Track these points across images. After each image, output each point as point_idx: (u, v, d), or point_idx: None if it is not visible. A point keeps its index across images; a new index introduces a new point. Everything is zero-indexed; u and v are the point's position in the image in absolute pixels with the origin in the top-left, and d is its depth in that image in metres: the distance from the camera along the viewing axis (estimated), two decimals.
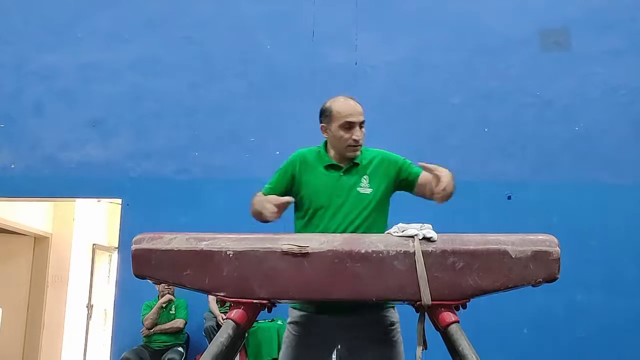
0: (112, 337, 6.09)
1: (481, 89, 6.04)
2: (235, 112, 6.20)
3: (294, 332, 2.36)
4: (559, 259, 1.90)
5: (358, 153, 2.42)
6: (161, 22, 6.42)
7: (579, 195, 5.67)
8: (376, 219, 2.36)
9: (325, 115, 2.45)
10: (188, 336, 5.92)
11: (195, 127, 6.19)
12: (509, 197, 5.49)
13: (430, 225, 1.97)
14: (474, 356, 1.82)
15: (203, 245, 1.99)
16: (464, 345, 1.85)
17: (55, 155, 6.21)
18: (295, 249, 1.94)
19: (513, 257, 1.89)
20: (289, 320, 2.40)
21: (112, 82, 6.30)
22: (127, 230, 5.90)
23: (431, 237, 1.93)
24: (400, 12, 6.27)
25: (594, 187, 5.69)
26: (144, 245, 2.02)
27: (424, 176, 2.39)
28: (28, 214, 7.94)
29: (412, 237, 1.94)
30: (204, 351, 1.95)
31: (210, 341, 4.20)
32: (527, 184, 5.72)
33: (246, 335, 2.91)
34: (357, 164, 2.42)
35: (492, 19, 6.16)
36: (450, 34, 6.16)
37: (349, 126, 2.38)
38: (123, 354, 5.56)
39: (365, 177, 2.40)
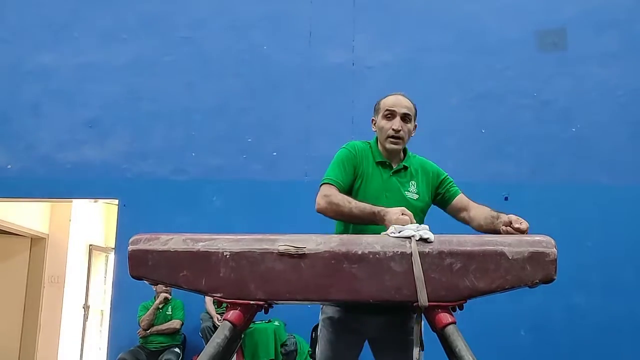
0: (108, 338, 6.08)
1: (478, 89, 6.04)
2: (232, 113, 6.20)
3: (330, 328, 2.38)
4: (555, 260, 1.89)
5: (398, 147, 2.41)
6: (158, 23, 6.42)
7: (576, 196, 5.68)
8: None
9: (375, 109, 2.50)
10: (185, 337, 5.91)
11: (192, 127, 6.19)
12: (506, 198, 5.48)
13: (427, 226, 1.97)
14: (470, 357, 1.82)
15: (200, 246, 1.98)
16: (461, 346, 1.85)
17: (52, 155, 6.19)
18: (292, 250, 1.93)
19: (510, 258, 1.89)
20: (323, 316, 2.42)
21: (109, 82, 6.29)
22: (123, 231, 5.90)
23: (428, 238, 1.93)
24: (397, 12, 6.27)
25: (591, 188, 5.70)
26: (141, 246, 2.01)
27: (460, 199, 2.43)
28: (24, 214, 7.92)
29: (409, 238, 1.94)
30: (201, 352, 1.95)
31: (206, 342, 4.19)
32: (524, 185, 5.72)
33: (243, 336, 2.90)
34: (407, 168, 2.43)
35: (489, 19, 6.17)
36: (447, 34, 6.17)
37: (389, 115, 2.40)
38: (120, 355, 5.56)
39: (413, 182, 2.41)
